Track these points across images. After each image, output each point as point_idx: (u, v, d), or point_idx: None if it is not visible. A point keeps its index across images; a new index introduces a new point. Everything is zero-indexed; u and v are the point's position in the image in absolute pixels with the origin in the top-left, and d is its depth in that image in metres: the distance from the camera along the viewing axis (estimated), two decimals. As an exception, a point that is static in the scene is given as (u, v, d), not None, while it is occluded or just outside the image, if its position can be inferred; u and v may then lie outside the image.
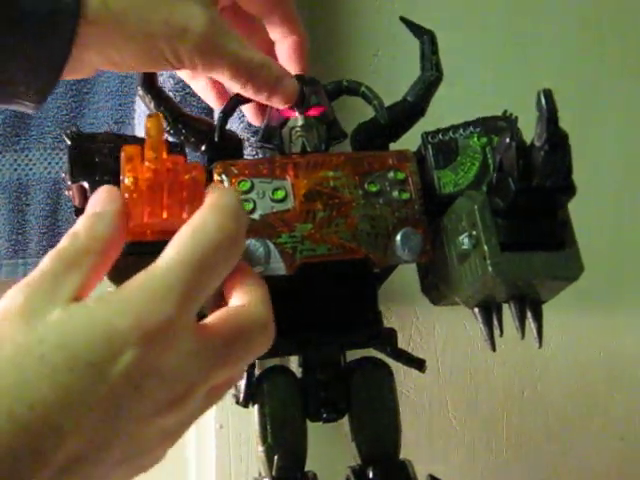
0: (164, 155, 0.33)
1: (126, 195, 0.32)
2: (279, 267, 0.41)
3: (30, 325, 0.29)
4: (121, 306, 0.29)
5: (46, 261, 0.31)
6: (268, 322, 0.34)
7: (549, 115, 0.35)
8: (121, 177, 0.33)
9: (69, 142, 0.42)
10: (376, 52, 0.78)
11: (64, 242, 0.32)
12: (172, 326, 0.29)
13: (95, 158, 0.41)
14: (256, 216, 0.41)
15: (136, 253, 0.34)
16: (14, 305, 0.30)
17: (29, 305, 0.29)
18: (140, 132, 0.65)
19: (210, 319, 0.32)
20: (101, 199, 0.33)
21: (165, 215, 0.33)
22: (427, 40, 0.48)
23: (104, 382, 0.28)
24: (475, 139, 0.44)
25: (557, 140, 0.36)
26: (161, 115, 0.34)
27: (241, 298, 0.34)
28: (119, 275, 0.34)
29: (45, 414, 0.27)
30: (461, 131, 0.45)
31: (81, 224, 0.32)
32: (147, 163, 0.33)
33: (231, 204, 0.32)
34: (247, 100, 0.46)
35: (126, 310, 0.29)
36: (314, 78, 0.46)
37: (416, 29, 0.48)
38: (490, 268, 0.38)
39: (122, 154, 0.33)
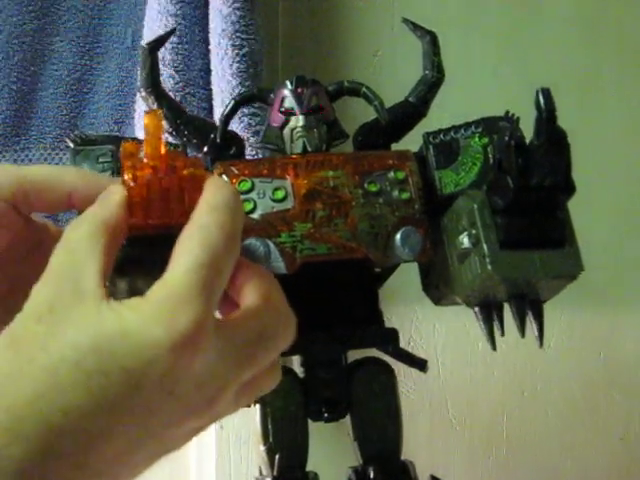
0: (162, 151, 0.33)
1: (127, 191, 0.33)
2: (279, 266, 0.41)
3: (61, 327, 0.29)
4: (152, 314, 0.29)
5: (58, 252, 0.31)
6: (288, 316, 0.34)
7: (547, 114, 0.35)
8: (121, 174, 0.33)
9: (72, 145, 0.42)
10: (376, 52, 0.78)
11: (70, 230, 0.31)
12: (200, 329, 0.29)
13: (98, 160, 0.41)
14: (256, 216, 0.41)
15: (137, 245, 0.34)
16: (40, 303, 0.29)
17: (55, 302, 0.29)
18: (140, 132, 0.65)
19: (230, 318, 0.33)
20: (105, 192, 0.33)
21: (165, 210, 0.33)
22: (429, 41, 0.48)
23: (138, 388, 0.28)
24: (476, 139, 0.45)
25: (555, 138, 0.36)
26: (159, 112, 0.34)
27: (256, 296, 0.34)
28: (122, 266, 0.34)
29: (79, 420, 0.27)
30: (462, 131, 0.45)
31: (85, 212, 0.32)
32: (146, 159, 0.33)
33: (226, 200, 0.32)
34: (248, 101, 0.46)
35: (157, 318, 0.29)
36: (315, 79, 0.46)
37: (418, 30, 0.48)
38: (489, 267, 0.38)
39: (121, 150, 0.33)
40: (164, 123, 0.46)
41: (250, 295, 0.34)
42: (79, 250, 0.31)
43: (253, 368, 0.32)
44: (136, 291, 0.35)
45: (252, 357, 0.32)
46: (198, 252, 0.30)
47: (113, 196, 0.33)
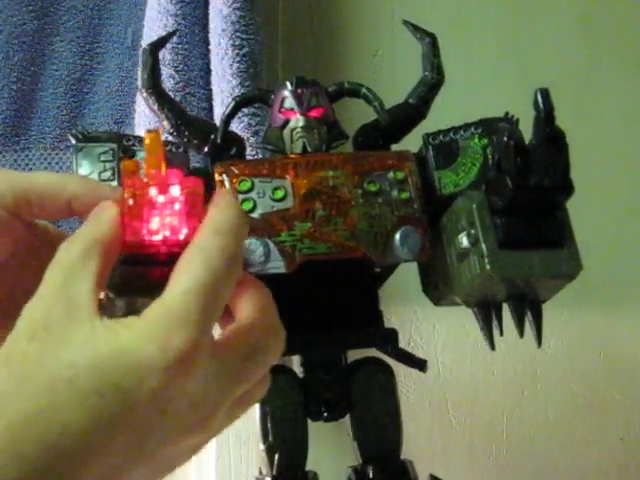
0: (163, 170, 0.33)
1: (125, 209, 0.33)
2: (279, 265, 0.41)
3: (55, 346, 0.29)
4: (147, 332, 0.29)
5: (52, 272, 0.31)
6: (279, 330, 0.34)
7: (546, 114, 0.36)
8: (122, 191, 0.33)
9: (74, 141, 0.42)
10: (376, 52, 0.78)
11: (63, 250, 0.31)
12: (195, 349, 0.29)
13: (100, 158, 0.41)
14: (256, 215, 0.42)
15: (136, 263, 0.34)
16: (33, 321, 0.29)
17: (48, 320, 0.29)
18: (140, 132, 0.65)
19: (225, 336, 0.33)
20: (97, 209, 0.33)
21: (164, 228, 0.33)
22: (429, 43, 0.48)
23: (133, 407, 0.28)
24: (476, 140, 0.45)
25: (554, 139, 0.36)
26: (160, 130, 0.34)
27: (250, 310, 0.34)
28: (120, 285, 0.34)
29: (75, 438, 0.27)
30: (462, 132, 0.45)
31: (78, 231, 0.32)
32: (146, 179, 0.33)
33: (229, 224, 0.32)
34: (248, 102, 0.46)
35: (152, 336, 0.29)
36: (315, 80, 0.46)
37: (418, 32, 0.49)
38: (488, 266, 0.38)
39: (122, 168, 0.33)
40: (165, 123, 0.46)
41: (244, 309, 0.34)
42: (72, 270, 0.31)
43: (245, 384, 0.33)
44: (133, 310, 0.35)
45: (244, 373, 0.32)
46: (198, 273, 0.30)
47: (106, 213, 0.33)
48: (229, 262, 0.31)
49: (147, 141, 0.33)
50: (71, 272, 0.31)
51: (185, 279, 0.30)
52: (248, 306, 0.34)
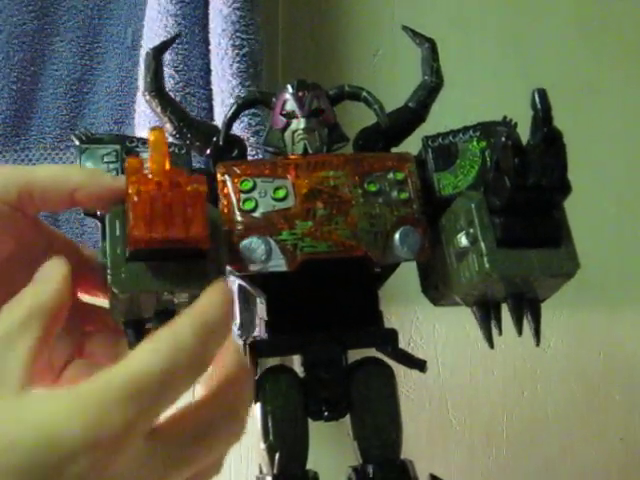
0: (167, 167, 0.33)
1: (130, 206, 0.33)
2: (280, 264, 0.41)
3: None
4: (77, 407, 0.27)
5: None
6: (238, 412, 0.32)
7: (543, 114, 0.36)
8: (125, 188, 0.34)
9: (77, 142, 0.42)
10: (376, 52, 0.78)
11: (3, 314, 0.31)
12: (127, 431, 0.27)
13: (103, 159, 0.42)
14: (258, 214, 0.42)
15: (140, 258, 0.34)
16: None
17: None
18: (140, 132, 0.66)
19: (172, 416, 0.31)
20: (44, 267, 0.33)
21: (167, 225, 0.33)
22: (428, 48, 0.49)
23: None
24: (474, 143, 0.45)
25: (551, 139, 0.36)
26: (164, 128, 0.34)
27: (206, 388, 0.32)
28: (125, 284, 0.34)
29: None
30: (461, 135, 0.46)
31: (22, 292, 0.32)
32: (150, 175, 0.33)
33: (214, 326, 0.30)
34: (250, 105, 0.47)
35: (81, 412, 0.27)
36: (316, 83, 0.47)
37: (417, 37, 0.49)
38: (487, 265, 0.38)
39: (126, 166, 0.34)
40: (168, 126, 0.46)
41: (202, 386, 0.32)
42: (9, 340, 0.30)
43: (190, 468, 0.30)
44: (136, 306, 0.35)
45: (182, 460, 0.30)
46: (156, 362, 0.28)
47: (54, 272, 0.32)
48: (196, 366, 0.29)
49: (152, 138, 0.33)
50: (7, 342, 0.29)
51: (141, 360, 0.28)
52: (205, 383, 0.32)
